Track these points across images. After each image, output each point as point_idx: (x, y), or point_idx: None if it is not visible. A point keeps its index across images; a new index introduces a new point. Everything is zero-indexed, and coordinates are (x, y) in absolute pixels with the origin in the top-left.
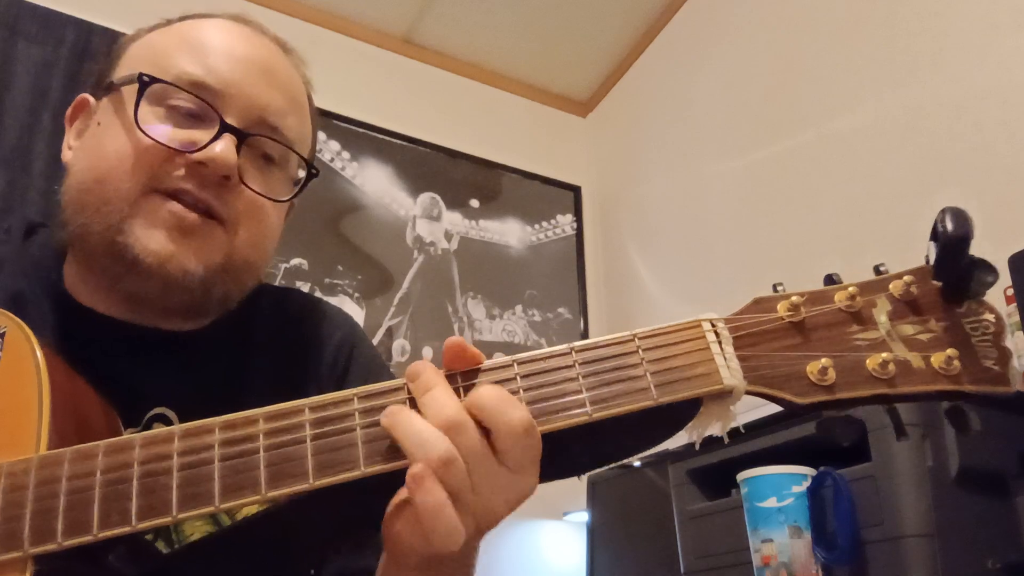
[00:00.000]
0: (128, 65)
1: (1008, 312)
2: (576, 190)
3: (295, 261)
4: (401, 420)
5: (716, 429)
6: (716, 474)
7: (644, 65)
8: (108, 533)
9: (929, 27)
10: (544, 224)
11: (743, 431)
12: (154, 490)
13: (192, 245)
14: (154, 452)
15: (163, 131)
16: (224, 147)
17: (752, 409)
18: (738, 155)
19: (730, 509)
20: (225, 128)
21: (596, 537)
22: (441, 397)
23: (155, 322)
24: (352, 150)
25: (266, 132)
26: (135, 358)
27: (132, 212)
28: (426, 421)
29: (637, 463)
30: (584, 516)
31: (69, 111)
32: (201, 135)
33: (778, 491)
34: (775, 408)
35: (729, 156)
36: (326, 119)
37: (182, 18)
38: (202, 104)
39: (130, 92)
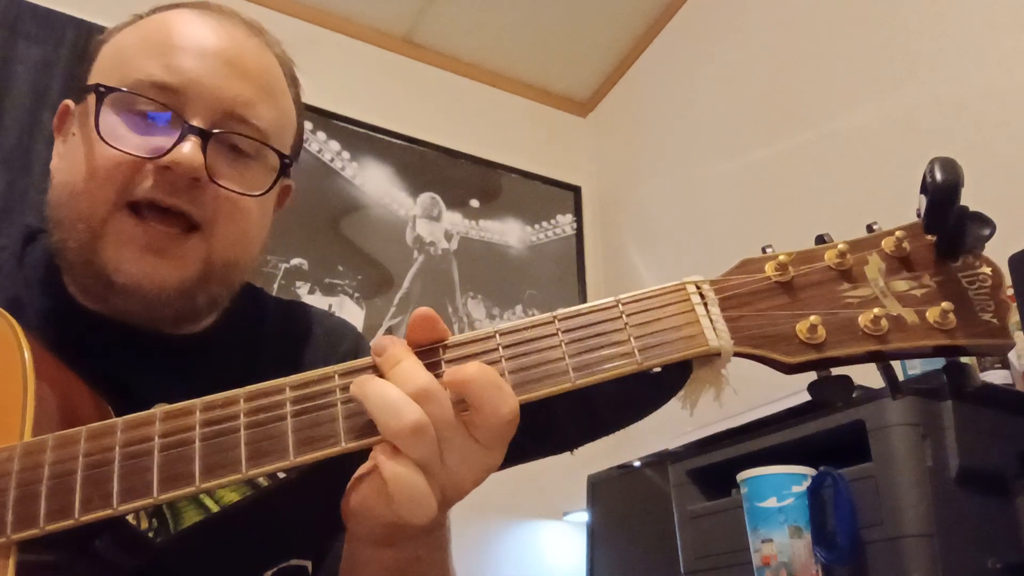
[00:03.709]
0: (98, 70)
1: None
2: (576, 190)
3: (295, 261)
4: (371, 388)
5: (709, 396)
6: (716, 474)
7: (644, 65)
8: (89, 517)
9: (929, 27)
10: (544, 224)
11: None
12: (135, 472)
13: (166, 262)
14: (136, 435)
15: (128, 139)
16: (189, 148)
17: (752, 409)
18: (738, 155)
19: (730, 509)
20: (188, 129)
21: (596, 537)
22: (410, 368)
23: (155, 325)
24: (352, 150)
25: (234, 126)
26: (135, 359)
27: (103, 231)
28: (398, 389)
29: (637, 463)
30: (584, 516)
31: (56, 119)
32: (166, 139)
33: (778, 491)
34: (775, 408)
35: (729, 156)
36: (326, 119)
37: (151, 12)
38: (164, 107)
39: (93, 102)
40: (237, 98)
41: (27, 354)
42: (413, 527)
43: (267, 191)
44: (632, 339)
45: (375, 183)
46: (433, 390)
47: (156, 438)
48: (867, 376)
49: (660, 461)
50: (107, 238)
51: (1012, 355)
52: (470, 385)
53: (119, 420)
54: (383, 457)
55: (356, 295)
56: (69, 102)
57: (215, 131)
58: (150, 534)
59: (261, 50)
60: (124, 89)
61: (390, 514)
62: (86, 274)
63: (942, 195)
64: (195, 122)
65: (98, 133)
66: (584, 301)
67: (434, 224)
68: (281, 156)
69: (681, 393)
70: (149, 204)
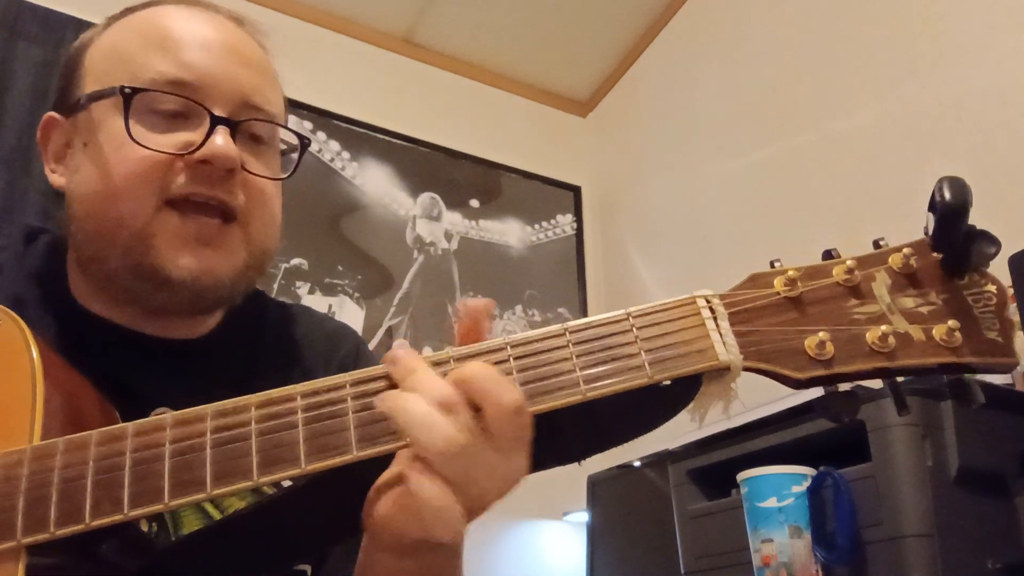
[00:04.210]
0: (94, 76)
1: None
2: (576, 190)
3: (295, 261)
4: (400, 403)
5: (718, 408)
6: (716, 474)
7: (644, 65)
8: (100, 521)
9: (929, 27)
10: (544, 224)
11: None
12: (146, 477)
13: (216, 254)
14: (146, 440)
15: (154, 139)
16: (223, 140)
17: (752, 409)
18: (738, 155)
19: (730, 509)
20: (216, 121)
21: (596, 537)
22: (428, 377)
23: (162, 329)
24: (352, 150)
25: (253, 114)
26: (139, 363)
27: (149, 231)
28: (427, 404)
29: (637, 463)
30: (584, 516)
31: (39, 133)
32: (192, 135)
33: (778, 491)
34: (775, 408)
35: (729, 156)
36: (326, 119)
37: (124, 12)
38: (187, 102)
39: (107, 107)
40: (248, 86)
41: (35, 354)
42: (439, 541)
43: (292, 172)
44: (643, 352)
45: (375, 183)
46: (455, 399)
47: (167, 444)
48: None
49: (660, 461)
50: (156, 238)
51: None
52: (472, 383)
53: (129, 425)
54: (415, 475)
55: (356, 295)
56: (55, 115)
57: (241, 120)
58: (145, 529)
59: (251, 38)
60: (148, 88)
61: (418, 530)
62: (135, 277)
63: (951, 214)
64: (218, 113)
65: (130, 136)
66: (584, 301)
67: (434, 224)
68: (301, 138)
69: (690, 406)
70: (185, 200)
